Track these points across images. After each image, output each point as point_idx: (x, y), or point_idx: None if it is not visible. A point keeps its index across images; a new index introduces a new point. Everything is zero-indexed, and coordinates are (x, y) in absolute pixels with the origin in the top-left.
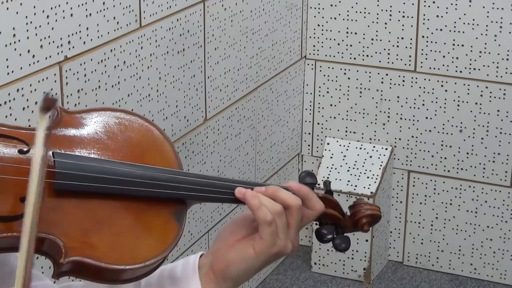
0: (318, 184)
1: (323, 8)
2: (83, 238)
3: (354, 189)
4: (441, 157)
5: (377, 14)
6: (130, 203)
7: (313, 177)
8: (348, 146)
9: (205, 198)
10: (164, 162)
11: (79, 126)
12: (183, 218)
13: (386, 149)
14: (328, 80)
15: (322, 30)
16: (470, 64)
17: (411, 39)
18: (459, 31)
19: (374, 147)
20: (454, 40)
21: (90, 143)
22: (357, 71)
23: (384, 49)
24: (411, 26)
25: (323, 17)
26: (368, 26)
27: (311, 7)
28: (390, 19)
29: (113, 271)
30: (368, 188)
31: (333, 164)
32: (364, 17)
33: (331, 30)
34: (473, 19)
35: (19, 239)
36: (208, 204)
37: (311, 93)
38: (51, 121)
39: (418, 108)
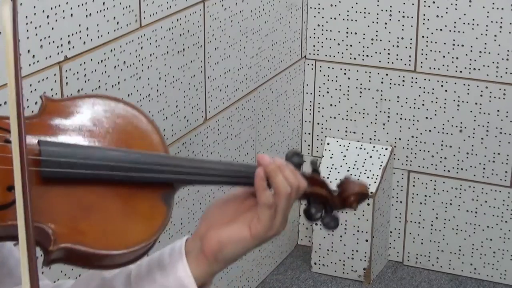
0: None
1: (323, 8)
2: (72, 225)
3: None
4: (441, 157)
5: (377, 14)
6: (118, 188)
7: (300, 157)
8: (348, 146)
9: (192, 180)
10: (149, 146)
11: (64, 114)
12: (171, 200)
13: (386, 149)
14: (328, 80)
15: (322, 30)
16: (470, 64)
17: (411, 39)
18: (459, 31)
19: (374, 147)
20: (454, 40)
21: (75, 130)
22: (357, 71)
23: (384, 49)
24: (411, 26)
25: (323, 17)
26: (368, 26)
27: (311, 7)
28: (390, 19)
29: (103, 257)
30: (368, 188)
31: (333, 164)
32: (364, 17)
33: (331, 30)
34: (473, 19)
35: (14, 228)
36: (208, 204)
37: (311, 93)
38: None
39: (418, 108)
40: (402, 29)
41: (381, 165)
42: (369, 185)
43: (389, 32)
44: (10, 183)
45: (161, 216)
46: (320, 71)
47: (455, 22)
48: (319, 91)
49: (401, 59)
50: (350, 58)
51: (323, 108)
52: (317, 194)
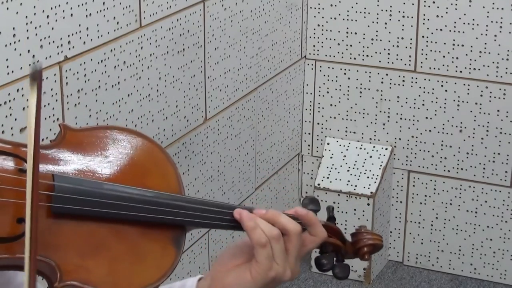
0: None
1: (323, 8)
2: (79, 262)
3: (354, 189)
4: (441, 157)
5: (377, 14)
6: (129, 227)
7: (316, 204)
8: (348, 146)
9: (204, 224)
10: (165, 185)
11: (81, 145)
12: (181, 243)
13: (386, 149)
14: (328, 80)
15: (322, 30)
16: (470, 64)
17: (411, 39)
18: (459, 31)
19: (374, 147)
20: (454, 40)
21: (92, 164)
22: (357, 71)
23: (384, 49)
24: (411, 26)
25: (323, 17)
26: (368, 26)
27: (311, 7)
28: (390, 19)
29: None
30: (368, 188)
31: (333, 164)
32: (364, 17)
33: (331, 30)
34: (473, 19)
35: (20, 260)
36: None
37: (311, 93)
38: (39, 91)
39: (418, 108)
40: (402, 29)
41: (381, 165)
42: (369, 185)
43: (389, 32)
44: (20, 215)
45: (171, 259)
46: (320, 71)
47: (455, 22)
48: (319, 91)
49: (401, 59)
50: (350, 58)
51: (323, 108)
52: (330, 243)
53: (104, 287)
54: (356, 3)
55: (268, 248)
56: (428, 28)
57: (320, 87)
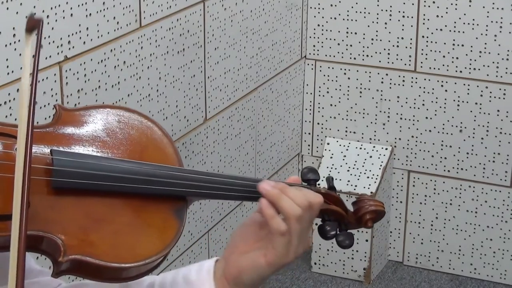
0: (322, 180)
1: (323, 8)
2: (82, 236)
3: (354, 189)
4: (441, 157)
5: (377, 14)
6: (130, 201)
7: (316, 173)
8: (348, 146)
9: (204, 194)
10: (163, 159)
11: (77, 123)
12: (183, 215)
13: (386, 149)
14: (328, 80)
15: (322, 30)
16: (470, 64)
17: (411, 39)
18: (459, 31)
19: (374, 147)
20: (454, 40)
21: (89, 141)
22: (357, 71)
23: (384, 49)
24: (411, 26)
25: (323, 17)
26: (368, 26)
27: (311, 7)
28: (390, 19)
29: (113, 269)
30: (368, 188)
31: (333, 164)
32: (364, 17)
33: (331, 30)
34: (473, 19)
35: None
36: (208, 204)
37: (311, 93)
38: (38, 45)
39: (418, 108)
40: (402, 29)
41: (381, 165)
42: (369, 185)
43: (389, 32)
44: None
45: (173, 230)
46: (320, 71)
47: (455, 22)
48: (319, 91)
49: (401, 59)
50: (350, 58)
51: (323, 108)
52: (332, 211)
53: (108, 259)
54: (356, 3)
55: (287, 235)
56: (428, 28)
57: (320, 87)
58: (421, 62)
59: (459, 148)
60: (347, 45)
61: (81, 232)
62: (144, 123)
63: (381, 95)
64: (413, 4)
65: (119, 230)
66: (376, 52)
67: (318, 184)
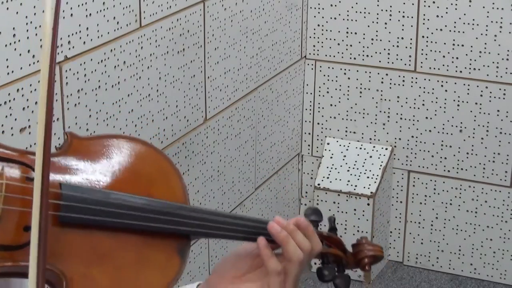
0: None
1: (323, 8)
2: (85, 271)
3: (354, 189)
4: (441, 157)
5: (377, 14)
6: (134, 237)
7: (319, 215)
8: (348, 146)
9: (209, 234)
10: (171, 195)
11: (87, 154)
12: (186, 253)
13: (386, 149)
14: (328, 80)
15: (322, 30)
16: (470, 64)
17: (411, 39)
18: (459, 31)
19: (374, 147)
20: (454, 40)
21: (98, 173)
22: (357, 71)
23: (384, 49)
24: (411, 26)
25: (323, 17)
26: (368, 26)
27: (311, 7)
28: (390, 19)
29: None
30: (368, 188)
31: (333, 164)
32: (364, 17)
33: (331, 30)
34: (473, 19)
35: (24, 268)
36: (208, 204)
37: (311, 93)
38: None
39: (418, 108)
40: (402, 29)
41: (381, 165)
42: (369, 185)
43: (389, 32)
44: (27, 224)
45: (175, 268)
46: (320, 71)
47: (455, 22)
48: (319, 91)
49: (401, 59)
50: (350, 58)
51: (323, 108)
52: (332, 254)
53: None
54: (356, 3)
55: (282, 274)
56: (428, 28)
57: (320, 87)
58: (421, 62)
59: (459, 148)
60: (347, 45)
61: (84, 267)
62: (155, 157)
63: (381, 95)
64: (413, 4)
65: (122, 266)
66: (376, 52)
67: (320, 224)
